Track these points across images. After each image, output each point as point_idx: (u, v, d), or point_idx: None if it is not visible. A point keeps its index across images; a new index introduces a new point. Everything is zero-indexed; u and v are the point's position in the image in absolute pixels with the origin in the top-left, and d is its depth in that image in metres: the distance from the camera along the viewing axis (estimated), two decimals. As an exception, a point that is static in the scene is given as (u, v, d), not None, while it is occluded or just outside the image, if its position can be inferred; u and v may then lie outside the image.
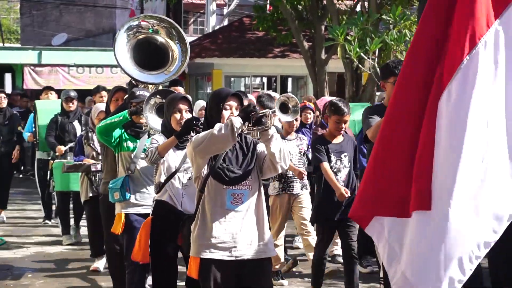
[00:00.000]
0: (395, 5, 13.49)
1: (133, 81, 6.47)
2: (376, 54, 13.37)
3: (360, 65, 13.52)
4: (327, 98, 8.59)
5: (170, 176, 5.49)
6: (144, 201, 6.07)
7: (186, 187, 5.50)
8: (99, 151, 7.80)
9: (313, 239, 7.53)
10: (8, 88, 25.35)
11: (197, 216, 4.67)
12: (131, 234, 5.97)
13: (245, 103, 4.86)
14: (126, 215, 6.06)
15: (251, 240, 4.63)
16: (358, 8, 17.27)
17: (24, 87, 22.20)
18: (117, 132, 6.12)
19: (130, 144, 6.15)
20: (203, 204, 4.64)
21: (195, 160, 4.58)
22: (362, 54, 11.93)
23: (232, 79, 24.57)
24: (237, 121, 4.40)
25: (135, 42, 6.46)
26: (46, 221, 11.28)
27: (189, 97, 7.40)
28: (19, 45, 36.92)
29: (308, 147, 7.93)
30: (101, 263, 8.30)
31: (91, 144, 8.25)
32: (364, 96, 16.32)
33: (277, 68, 23.08)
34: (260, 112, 4.49)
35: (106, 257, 7.19)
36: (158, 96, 5.90)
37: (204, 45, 22.67)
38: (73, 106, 10.27)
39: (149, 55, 6.47)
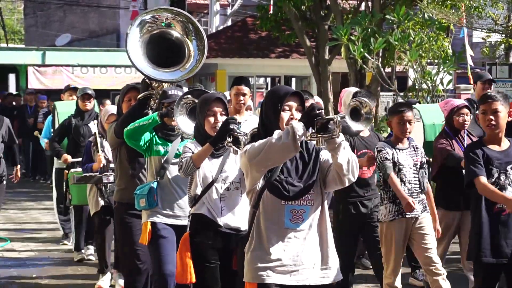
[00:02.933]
0: (399, 5, 13.48)
1: (147, 79, 5.97)
2: (380, 54, 13.38)
3: (364, 65, 13.52)
4: (455, 101, 7.23)
5: (207, 187, 5.00)
6: (173, 211, 5.58)
7: (224, 199, 5.03)
8: (110, 158, 7.30)
9: (444, 280, 6.21)
10: (12, 88, 25.41)
11: (252, 235, 4.08)
12: (157, 244, 5.51)
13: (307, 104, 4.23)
14: (153, 223, 5.54)
15: (313, 263, 4.05)
16: (362, 8, 17.27)
17: (29, 86, 22.23)
18: (147, 135, 5.60)
19: (161, 148, 5.62)
20: (258, 222, 4.06)
21: (250, 173, 3.99)
22: (366, 54, 11.93)
23: (236, 79, 24.57)
24: (300, 127, 3.79)
25: (148, 38, 5.95)
26: (65, 241, 9.83)
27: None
28: (23, 46, 36.98)
29: (423, 157, 6.41)
30: (106, 280, 7.67)
31: (102, 151, 7.62)
32: (368, 96, 16.32)
33: (281, 68, 23.08)
34: (327, 117, 3.89)
35: (123, 273, 6.61)
36: (190, 96, 5.37)
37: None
38: (90, 105, 9.14)
39: (163, 51, 5.97)
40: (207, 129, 5.06)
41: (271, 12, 19.05)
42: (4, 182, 9.26)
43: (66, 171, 8.64)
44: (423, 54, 12.39)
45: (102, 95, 17.08)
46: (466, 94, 17.89)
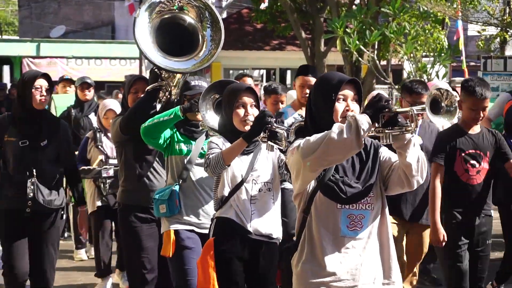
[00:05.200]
0: (395, -3, 13.47)
1: (156, 69, 5.40)
2: (376, 47, 13.35)
3: (359, 58, 13.52)
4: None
5: (236, 187, 4.41)
6: (198, 218, 4.98)
7: (255, 201, 4.44)
8: (109, 154, 7.02)
9: None
10: (6, 80, 25.36)
11: (302, 245, 3.52)
12: (181, 256, 4.89)
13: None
14: (176, 232, 4.92)
15: (374, 277, 3.50)
16: (358, 1, 17.25)
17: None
18: (167, 132, 4.98)
19: (184, 147, 5.00)
20: (310, 230, 3.49)
21: (303, 173, 3.40)
22: (361, 47, 11.92)
23: (231, 71, 24.54)
24: (365, 121, 3.19)
25: (159, 22, 5.35)
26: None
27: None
28: (17, 37, 36.90)
29: None
30: (106, 285, 7.29)
31: (100, 146, 7.11)
32: (363, 88, 16.32)
33: (276, 61, 23.07)
34: (399, 109, 3.33)
35: (129, 283, 5.85)
36: (215, 89, 4.80)
37: (203, 37, 22.66)
38: (90, 94, 8.75)
39: (174, 38, 5.39)
40: (236, 123, 4.48)
41: (266, 4, 19.04)
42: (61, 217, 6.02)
43: None
44: (419, 47, 12.40)
45: (97, 87, 17.02)
46: (461, 87, 17.89)
